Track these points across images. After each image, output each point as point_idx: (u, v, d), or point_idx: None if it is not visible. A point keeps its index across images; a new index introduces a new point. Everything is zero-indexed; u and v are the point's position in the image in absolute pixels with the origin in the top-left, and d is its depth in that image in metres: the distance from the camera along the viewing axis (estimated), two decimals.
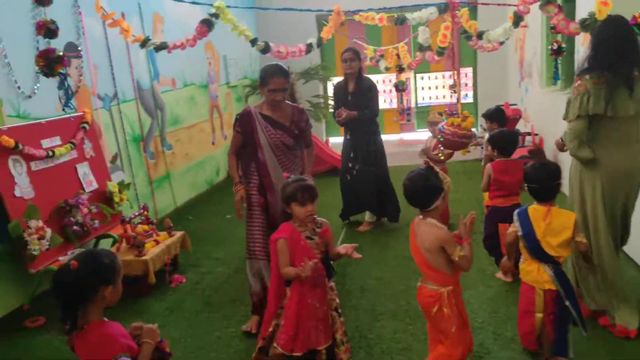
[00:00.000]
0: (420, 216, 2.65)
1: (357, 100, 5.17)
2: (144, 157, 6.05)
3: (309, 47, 4.36)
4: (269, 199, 3.50)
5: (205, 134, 7.69)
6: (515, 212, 2.95)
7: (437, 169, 2.62)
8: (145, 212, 4.68)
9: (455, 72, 3.85)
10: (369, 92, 5.21)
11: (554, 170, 2.92)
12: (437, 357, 2.68)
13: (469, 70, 9.70)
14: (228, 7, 3.87)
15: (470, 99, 9.53)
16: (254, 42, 4.03)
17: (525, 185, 2.97)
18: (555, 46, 3.96)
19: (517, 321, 3.07)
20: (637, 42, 3.05)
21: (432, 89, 9.95)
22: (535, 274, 2.84)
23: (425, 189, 2.55)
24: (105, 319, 1.97)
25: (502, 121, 4.36)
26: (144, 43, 4.14)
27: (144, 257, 4.19)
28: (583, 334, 2.87)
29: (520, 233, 2.87)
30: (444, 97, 9.85)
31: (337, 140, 10.09)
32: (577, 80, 3.18)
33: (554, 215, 2.81)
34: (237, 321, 3.78)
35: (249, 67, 9.50)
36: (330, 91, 10.07)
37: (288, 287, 2.82)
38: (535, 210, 2.88)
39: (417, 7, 3.87)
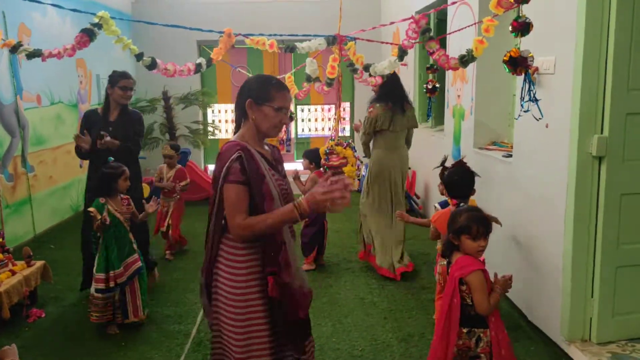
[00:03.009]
0: (462, 204, 3.18)
1: (120, 132, 4.19)
2: (1, 179, 5.45)
3: (198, 67, 4.21)
4: (286, 280, 2.24)
5: (73, 156, 7.05)
6: (438, 204, 3.67)
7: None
8: (1, 239, 4.18)
9: (338, 104, 3.97)
10: (138, 125, 4.36)
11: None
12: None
13: (346, 105, 10.05)
14: (112, 18, 3.64)
15: (347, 132, 9.84)
16: (139, 56, 3.81)
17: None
18: (430, 85, 4.23)
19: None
20: (402, 86, 4.87)
21: (312, 121, 10.16)
22: None
23: (472, 180, 3.32)
24: None
25: (318, 162, 4.85)
26: (14, 48, 3.75)
27: None
28: None
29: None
30: (322, 129, 10.09)
31: None
32: (370, 106, 4.84)
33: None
34: (104, 355, 3.50)
35: None
36: (210, 117, 9.92)
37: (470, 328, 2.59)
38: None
39: (307, 37, 3.94)
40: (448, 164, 3.56)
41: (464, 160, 3.57)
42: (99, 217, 3.67)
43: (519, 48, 2.57)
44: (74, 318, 4.05)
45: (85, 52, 7.24)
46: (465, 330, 2.57)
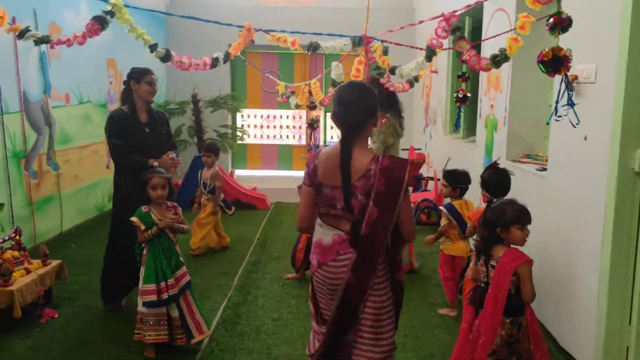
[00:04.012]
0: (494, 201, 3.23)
1: (156, 135, 3.99)
2: (25, 175, 5.46)
3: (215, 62, 4.07)
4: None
5: (99, 156, 7.15)
6: (443, 207, 4.06)
7: None
8: (18, 237, 4.15)
9: None
10: (168, 125, 4.20)
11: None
12: None
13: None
14: (126, 6, 3.55)
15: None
16: (153, 47, 3.72)
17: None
18: (460, 94, 4.07)
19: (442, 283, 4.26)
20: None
21: None
22: (463, 248, 4.02)
23: (509, 179, 3.42)
24: None
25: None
26: (22, 34, 3.71)
27: (9, 287, 3.68)
28: None
29: (454, 222, 3.96)
30: None
31: (242, 173, 9.86)
32: (383, 117, 4.70)
33: (469, 203, 4.09)
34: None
35: None
36: (239, 122, 9.88)
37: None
38: (459, 204, 4.06)
39: (332, 37, 3.82)
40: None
41: (498, 162, 3.64)
42: (142, 227, 3.38)
43: (558, 46, 2.38)
44: (87, 320, 3.98)
45: (116, 53, 7.34)
46: (508, 320, 2.74)
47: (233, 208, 5.85)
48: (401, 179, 2.25)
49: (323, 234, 2.40)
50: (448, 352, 3.53)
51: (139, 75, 3.94)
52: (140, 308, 3.42)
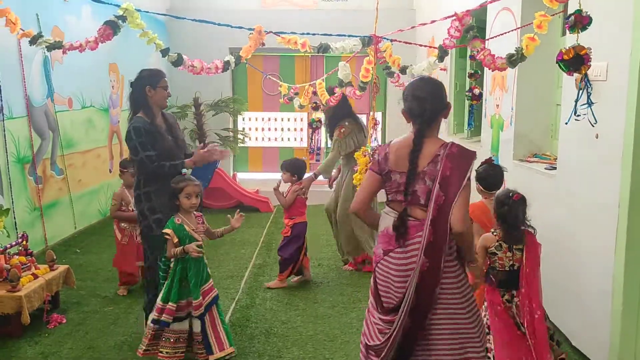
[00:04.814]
0: (490, 197, 3.44)
1: (176, 140, 3.67)
2: (29, 181, 5.43)
3: (226, 65, 4.06)
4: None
5: (102, 160, 7.12)
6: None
7: None
8: (25, 242, 4.12)
9: (372, 110, 3.82)
10: (179, 129, 3.84)
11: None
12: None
13: (378, 115, 9.87)
14: (138, 10, 3.53)
15: (379, 142, 9.66)
16: (165, 52, 3.70)
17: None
18: (477, 92, 4.07)
19: None
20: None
21: None
22: None
23: (503, 174, 3.52)
24: None
25: (300, 174, 4.89)
26: (34, 39, 3.70)
27: (17, 293, 3.65)
28: None
29: None
30: None
31: (244, 176, 9.85)
32: (341, 127, 5.00)
33: None
34: None
35: None
36: (241, 125, 9.86)
37: None
38: None
39: (341, 37, 3.81)
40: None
41: (492, 158, 3.79)
42: (175, 239, 3.19)
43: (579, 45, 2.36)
44: (95, 325, 3.95)
45: (118, 57, 7.32)
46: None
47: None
48: (466, 168, 2.34)
49: (390, 222, 2.46)
50: None
51: (154, 80, 3.53)
52: (151, 323, 3.24)
